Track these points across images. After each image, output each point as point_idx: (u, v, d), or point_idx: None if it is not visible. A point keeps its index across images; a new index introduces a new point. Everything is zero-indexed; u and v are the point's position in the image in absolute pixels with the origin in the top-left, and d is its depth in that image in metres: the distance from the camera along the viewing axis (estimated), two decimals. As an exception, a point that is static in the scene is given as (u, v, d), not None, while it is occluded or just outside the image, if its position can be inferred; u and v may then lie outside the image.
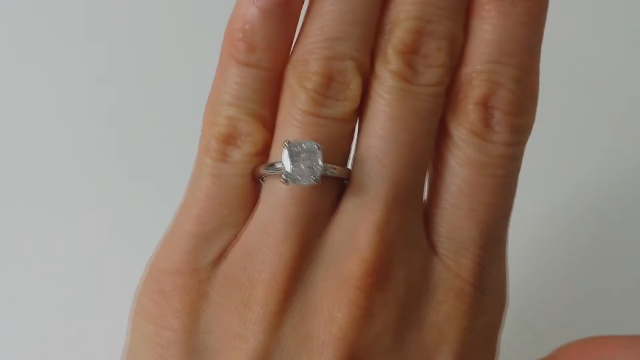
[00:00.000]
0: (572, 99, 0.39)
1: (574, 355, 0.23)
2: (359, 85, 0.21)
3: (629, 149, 0.39)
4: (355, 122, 0.22)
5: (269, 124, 0.22)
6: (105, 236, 0.36)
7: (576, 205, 0.37)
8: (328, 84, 0.21)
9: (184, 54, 0.39)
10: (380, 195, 0.21)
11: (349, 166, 0.22)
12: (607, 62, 0.40)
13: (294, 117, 0.21)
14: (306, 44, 0.21)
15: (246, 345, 0.20)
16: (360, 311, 0.20)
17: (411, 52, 0.21)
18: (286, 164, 0.20)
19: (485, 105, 0.21)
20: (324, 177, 0.21)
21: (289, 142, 0.21)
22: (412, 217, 0.21)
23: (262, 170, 0.21)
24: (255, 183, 0.22)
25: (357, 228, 0.21)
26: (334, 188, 0.22)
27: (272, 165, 0.21)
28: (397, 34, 0.21)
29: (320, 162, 0.20)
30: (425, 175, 0.22)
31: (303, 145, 0.20)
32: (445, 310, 0.21)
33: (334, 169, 0.21)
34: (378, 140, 0.21)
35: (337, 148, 0.21)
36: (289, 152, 0.20)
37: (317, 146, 0.20)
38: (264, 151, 0.22)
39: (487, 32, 0.22)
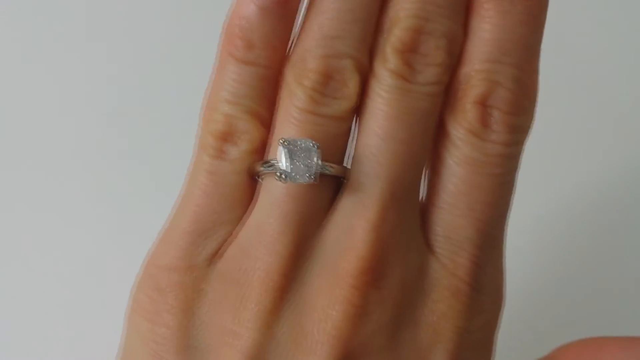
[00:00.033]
0: (572, 99, 0.39)
1: (573, 355, 0.22)
2: (357, 83, 0.21)
3: (629, 149, 0.38)
4: (353, 121, 0.22)
5: (267, 122, 0.22)
6: (105, 236, 0.36)
7: (576, 205, 0.37)
8: (326, 82, 0.21)
9: (184, 54, 0.39)
10: (377, 194, 0.21)
11: (346, 164, 0.22)
12: (607, 62, 0.40)
13: (291, 115, 0.21)
14: (305, 42, 0.21)
15: (240, 342, 0.20)
16: (355, 309, 0.20)
17: (410, 51, 0.21)
18: (283, 161, 0.20)
19: (484, 105, 0.21)
20: (321, 175, 0.21)
21: (286, 140, 0.20)
22: (408, 216, 0.21)
23: (259, 168, 0.21)
24: (252, 181, 0.22)
25: (353, 226, 0.21)
26: (331, 186, 0.21)
27: (269, 162, 0.21)
28: (395, 33, 0.21)
29: (317, 160, 0.20)
30: (422, 174, 0.22)
31: (300, 143, 0.20)
32: (441, 309, 0.21)
33: (331, 167, 0.21)
34: (375, 139, 0.21)
35: (334, 146, 0.21)
36: (285, 150, 0.20)
37: (314, 144, 0.20)
38: (261, 149, 0.22)
39: (486, 31, 0.21)
